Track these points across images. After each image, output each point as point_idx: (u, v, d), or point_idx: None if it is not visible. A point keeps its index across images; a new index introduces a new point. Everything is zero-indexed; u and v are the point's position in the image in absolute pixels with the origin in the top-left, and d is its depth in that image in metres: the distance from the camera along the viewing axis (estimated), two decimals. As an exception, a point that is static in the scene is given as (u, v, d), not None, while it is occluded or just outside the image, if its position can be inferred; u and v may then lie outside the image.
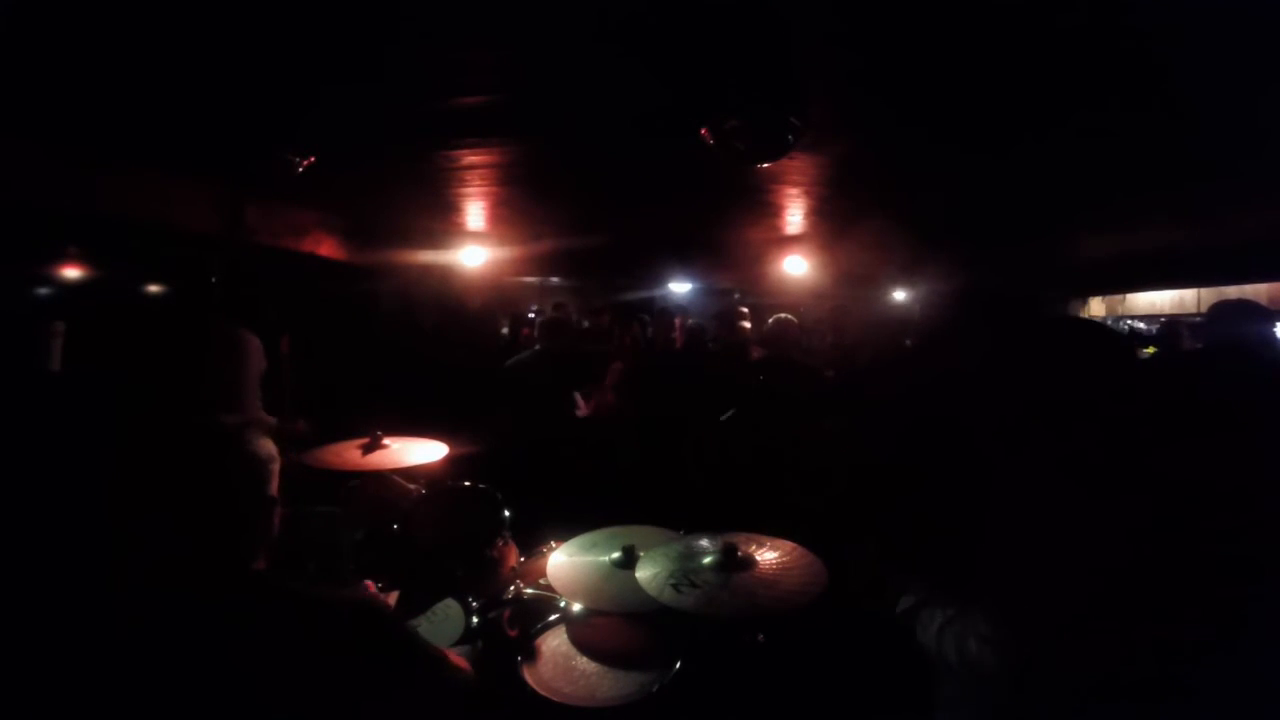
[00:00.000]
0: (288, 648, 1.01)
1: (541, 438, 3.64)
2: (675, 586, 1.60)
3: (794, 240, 5.44)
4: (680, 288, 8.00)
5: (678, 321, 5.14)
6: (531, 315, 5.93)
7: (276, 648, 1.01)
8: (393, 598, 1.91)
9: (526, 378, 3.91)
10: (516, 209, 4.41)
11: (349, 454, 2.42)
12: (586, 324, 5.93)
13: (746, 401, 3.52)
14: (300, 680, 1.00)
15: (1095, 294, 7.40)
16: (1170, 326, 5.69)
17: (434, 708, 1.17)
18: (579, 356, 4.46)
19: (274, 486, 1.14)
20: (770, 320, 3.84)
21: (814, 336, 4.80)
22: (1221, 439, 1.14)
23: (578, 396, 4.02)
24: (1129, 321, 7.37)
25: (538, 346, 4.07)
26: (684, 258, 6.52)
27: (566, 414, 3.88)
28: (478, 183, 3.66)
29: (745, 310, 5.45)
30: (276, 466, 1.15)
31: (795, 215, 4.53)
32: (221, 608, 1.01)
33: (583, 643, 1.74)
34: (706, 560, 1.70)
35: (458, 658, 1.31)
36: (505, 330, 6.18)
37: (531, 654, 1.71)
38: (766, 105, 2.04)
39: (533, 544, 2.20)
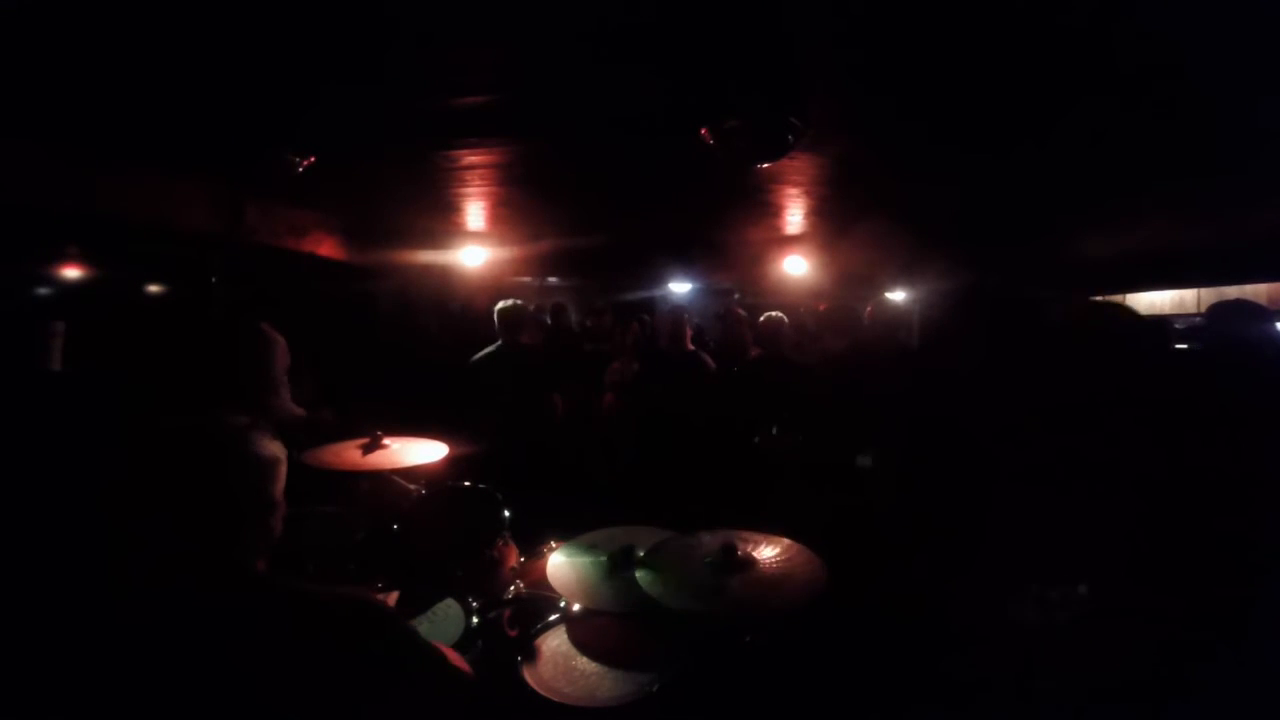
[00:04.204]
0: (287, 647, 1.01)
1: (508, 437, 3.53)
2: (694, 594, 1.59)
3: (794, 240, 5.45)
4: (680, 288, 8.00)
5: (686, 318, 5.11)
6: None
7: (276, 647, 1.01)
8: (393, 598, 1.91)
9: (483, 375, 3.71)
10: (516, 209, 4.41)
11: (349, 454, 2.41)
12: (589, 323, 5.91)
13: (739, 400, 3.52)
14: (300, 679, 1.00)
15: (1095, 294, 7.41)
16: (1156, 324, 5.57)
17: (433, 706, 1.16)
18: (546, 352, 4.32)
19: (278, 488, 1.14)
20: (761, 319, 3.84)
21: (807, 336, 4.79)
22: (1221, 439, 1.14)
23: (557, 399, 3.84)
24: (1129, 322, 7.37)
25: (499, 342, 3.77)
26: (684, 258, 6.52)
27: (531, 414, 3.74)
28: (478, 183, 3.66)
29: (742, 312, 5.45)
30: (282, 469, 1.14)
31: (795, 215, 4.53)
32: (221, 607, 1.01)
33: (583, 643, 1.74)
34: (709, 560, 1.70)
35: (457, 657, 1.31)
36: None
37: (531, 654, 1.71)
38: (766, 105, 2.04)
39: (533, 544, 2.20)
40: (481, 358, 3.75)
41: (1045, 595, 1.20)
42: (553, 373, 3.95)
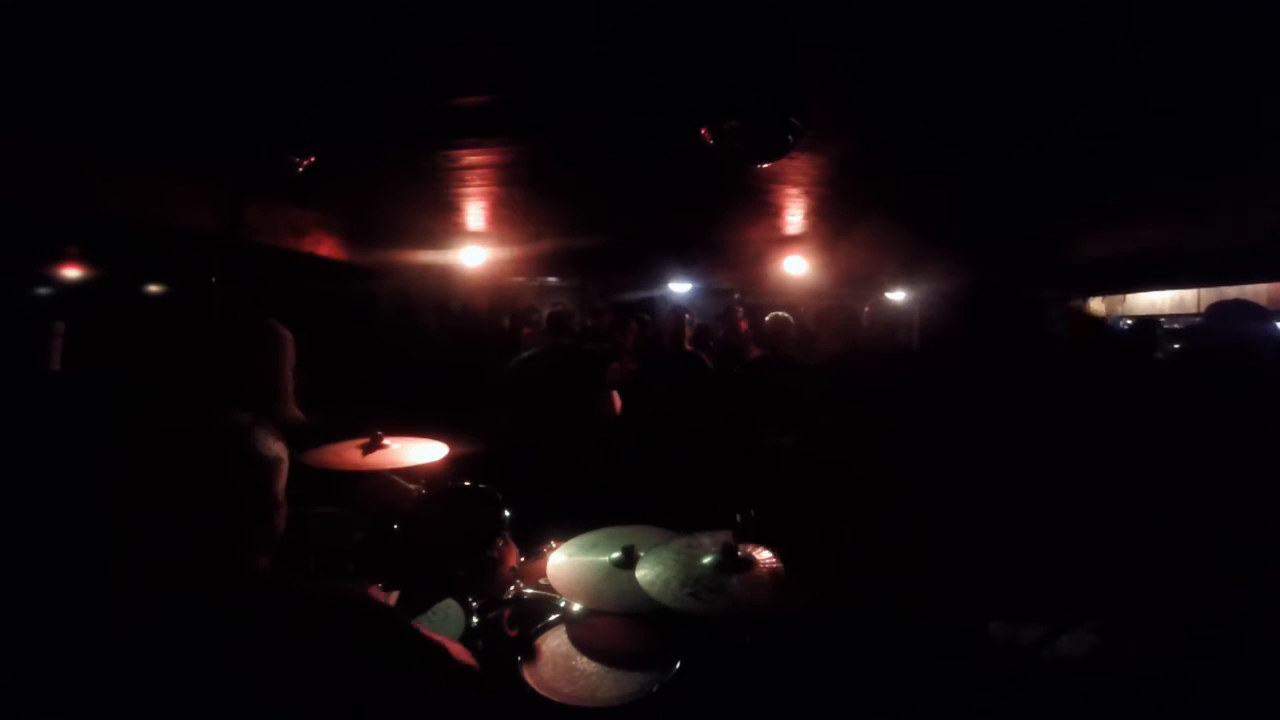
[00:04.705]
0: (288, 647, 1.01)
1: (548, 437, 3.59)
2: (694, 594, 1.59)
3: (794, 240, 5.44)
4: (680, 288, 8.00)
5: (687, 317, 5.12)
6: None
7: (277, 647, 1.01)
8: (393, 598, 1.91)
9: (533, 376, 3.87)
10: (516, 209, 4.41)
11: (349, 454, 2.41)
12: (589, 323, 5.91)
13: (739, 399, 3.53)
14: (301, 679, 1.00)
15: (1095, 294, 7.42)
16: (1145, 324, 5.47)
17: (434, 706, 1.16)
18: (586, 354, 4.42)
19: (280, 487, 1.14)
20: (767, 319, 3.85)
21: (807, 336, 4.80)
22: (1222, 438, 1.14)
23: (615, 395, 3.97)
24: (1128, 322, 7.39)
25: (540, 345, 4.01)
26: (684, 258, 6.53)
27: (574, 413, 3.83)
28: (478, 183, 3.66)
29: (742, 309, 5.45)
30: (284, 467, 1.15)
31: (795, 215, 4.53)
32: (222, 607, 1.01)
33: (583, 643, 1.74)
34: (707, 560, 1.70)
35: (461, 650, 1.30)
36: (506, 325, 6.17)
37: (531, 654, 1.71)
38: (766, 105, 2.04)
39: (533, 544, 2.20)
40: (527, 358, 3.85)
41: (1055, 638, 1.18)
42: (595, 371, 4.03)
